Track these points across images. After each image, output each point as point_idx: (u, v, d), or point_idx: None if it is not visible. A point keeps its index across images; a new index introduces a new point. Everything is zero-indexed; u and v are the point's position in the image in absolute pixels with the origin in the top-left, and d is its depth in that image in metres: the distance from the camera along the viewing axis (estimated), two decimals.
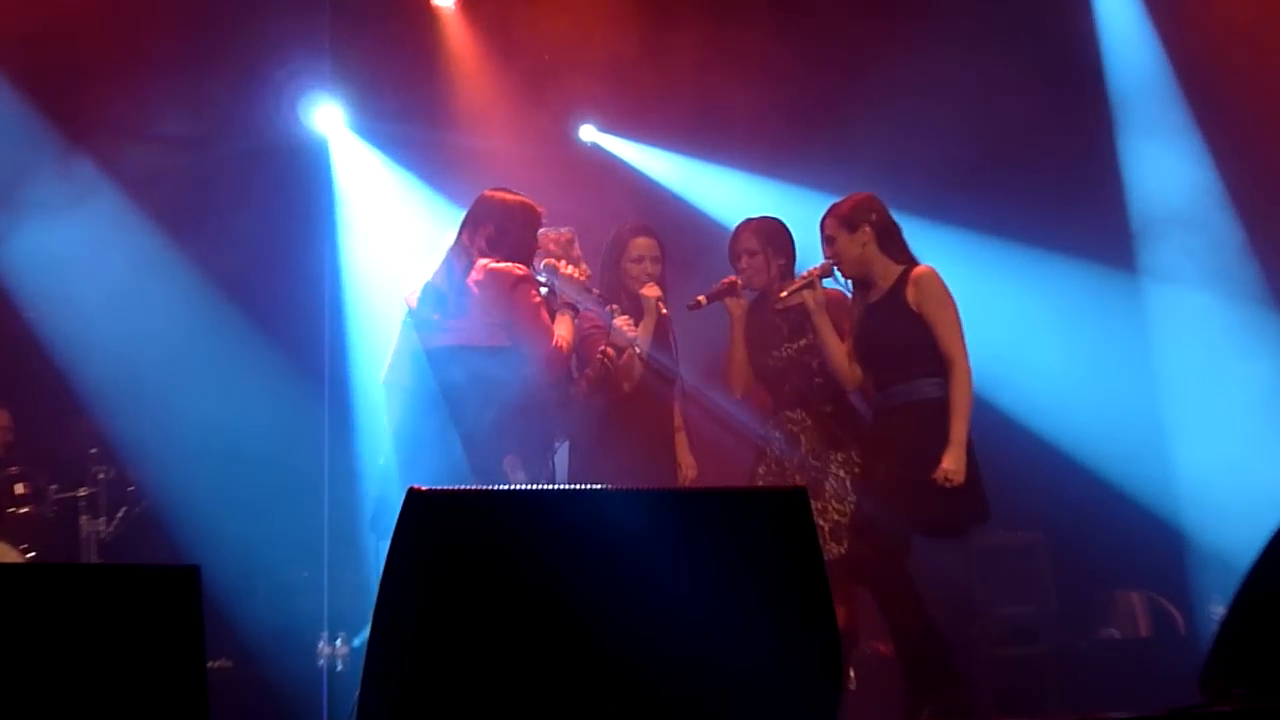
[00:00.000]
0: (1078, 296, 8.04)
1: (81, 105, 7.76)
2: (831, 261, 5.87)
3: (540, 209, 5.77)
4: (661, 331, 6.22)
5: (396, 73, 8.31)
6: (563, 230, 6.10)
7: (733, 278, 6.20)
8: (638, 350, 5.99)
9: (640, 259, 6.24)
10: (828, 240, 5.88)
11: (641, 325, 6.07)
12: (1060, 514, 7.68)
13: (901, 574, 5.62)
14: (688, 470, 6.32)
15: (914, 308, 5.69)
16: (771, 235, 6.27)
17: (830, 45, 8.26)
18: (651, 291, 6.12)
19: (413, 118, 8.35)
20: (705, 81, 8.07)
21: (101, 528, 7.69)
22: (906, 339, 5.67)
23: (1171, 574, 7.70)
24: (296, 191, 8.30)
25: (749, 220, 6.35)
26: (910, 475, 5.53)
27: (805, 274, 5.95)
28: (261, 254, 8.11)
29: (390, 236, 8.10)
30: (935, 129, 7.84)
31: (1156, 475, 7.77)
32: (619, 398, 6.08)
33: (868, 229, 5.81)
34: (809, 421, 6.12)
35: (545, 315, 5.60)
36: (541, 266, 5.83)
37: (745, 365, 6.23)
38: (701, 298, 6.16)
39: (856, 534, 5.77)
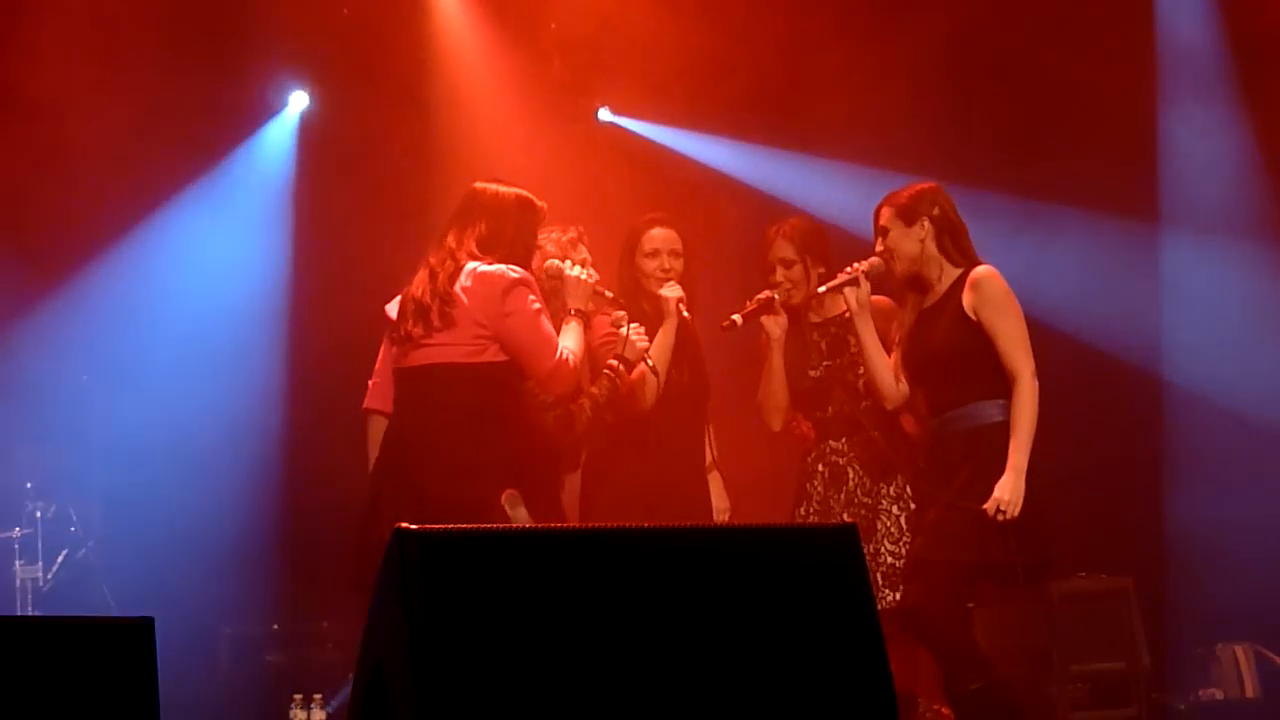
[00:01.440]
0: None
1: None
2: (881, 258, 5.82)
3: (541, 203, 5.69)
4: (687, 341, 6.13)
5: (378, 51, 8.32)
6: (569, 231, 6.04)
7: (769, 293, 6.12)
8: (648, 364, 5.94)
9: (655, 253, 6.15)
10: (881, 232, 5.80)
11: (660, 331, 5.99)
12: (1153, 555, 7.65)
13: (958, 624, 5.56)
14: (721, 516, 6.25)
15: (971, 315, 5.61)
16: (808, 240, 6.20)
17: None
18: (671, 290, 6.07)
19: (397, 101, 8.36)
20: (740, 54, 8.07)
21: (39, 575, 7.69)
22: (963, 351, 5.60)
23: None
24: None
25: (780, 225, 6.26)
26: (963, 511, 5.50)
27: (849, 269, 5.87)
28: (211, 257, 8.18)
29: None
30: (966, 92, 7.90)
31: (1262, 511, 7.74)
32: (637, 420, 6.03)
33: (927, 223, 5.74)
34: (855, 451, 6.06)
35: (547, 324, 5.54)
36: (543, 268, 5.79)
37: (785, 392, 6.15)
38: (737, 317, 6.04)
39: (908, 579, 5.72)
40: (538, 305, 5.52)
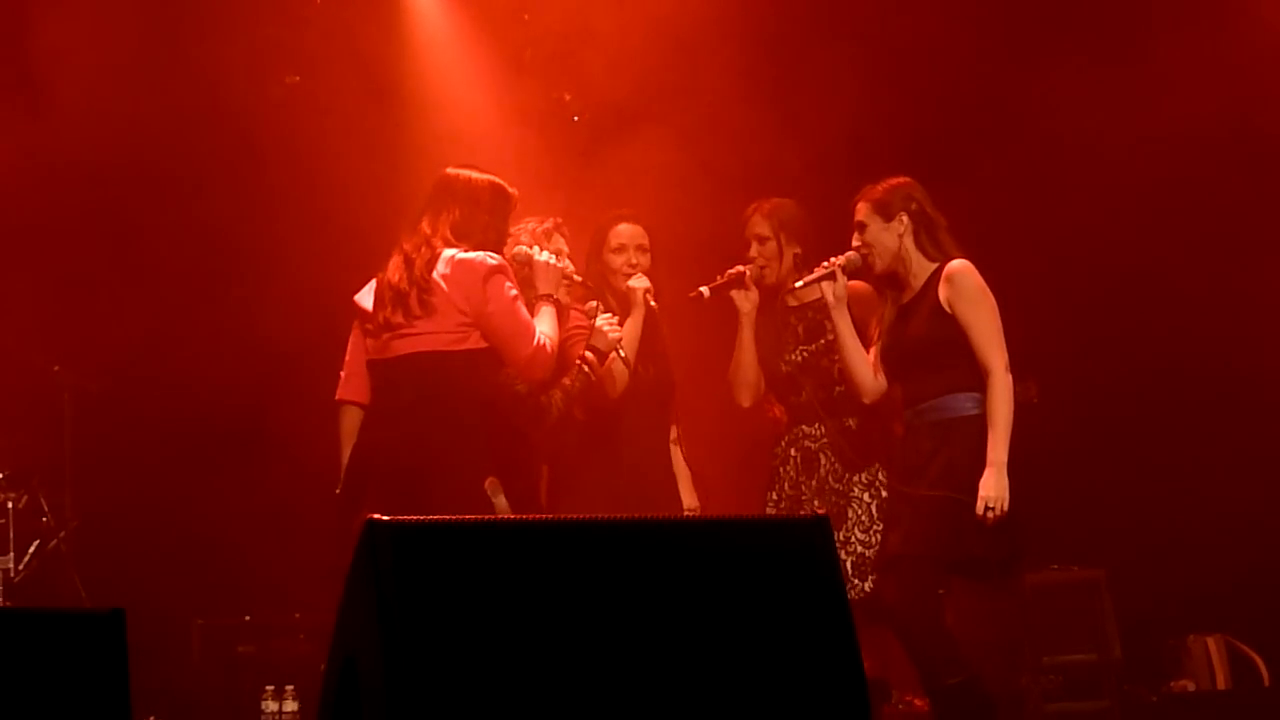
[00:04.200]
0: None
1: None
2: (859, 252, 5.83)
3: (512, 190, 5.71)
4: (653, 331, 6.15)
5: (349, 41, 8.29)
6: (546, 221, 6.04)
7: (740, 268, 6.16)
8: (620, 354, 5.94)
9: (622, 248, 6.17)
10: (858, 227, 5.83)
11: (628, 321, 6.01)
12: (1124, 547, 7.68)
13: (935, 619, 5.57)
14: (690, 514, 6.24)
15: (947, 308, 5.63)
16: (785, 220, 6.22)
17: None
18: (639, 281, 6.07)
19: (366, 91, 8.33)
20: (718, 48, 8.05)
21: (10, 565, 7.66)
22: (939, 344, 5.61)
23: (1254, 614, 7.69)
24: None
25: (760, 203, 6.30)
26: (938, 505, 5.50)
27: (826, 264, 5.89)
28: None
29: None
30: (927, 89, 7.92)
31: (1234, 497, 7.77)
32: (604, 409, 6.03)
33: (905, 219, 5.76)
34: (828, 438, 6.08)
35: (524, 311, 5.55)
36: (513, 254, 5.79)
37: (755, 368, 6.18)
38: (705, 289, 6.11)
39: (881, 571, 5.73)
40: (514, 292, 5.55)
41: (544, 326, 5.60)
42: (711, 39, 7.94)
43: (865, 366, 5.85)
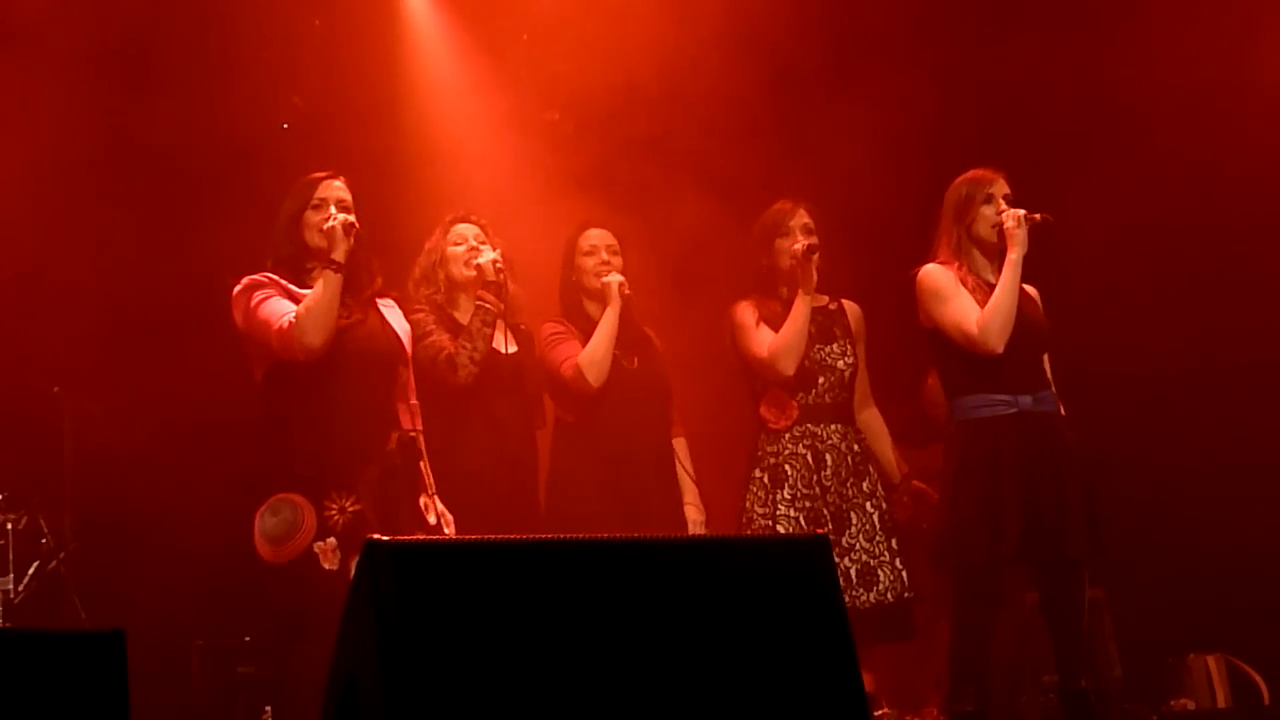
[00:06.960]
0: None
1: None
2: (1030, 221, 5.71)
3: (316, 178, 5.58)
4: (635, 330, 6.17)
5: (349, 61, 8.30)
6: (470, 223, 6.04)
7: (812, 241, 6.10)
8: (498, 265, 5.77)
9: (593, 250, 6.19)
10: (1007, 199, 5.76)
11: (605, 313, 6.02)
12: (1124, 566, 7.67)
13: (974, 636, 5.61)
14: (694, 529, 6.22)
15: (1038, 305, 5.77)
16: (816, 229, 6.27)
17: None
18: (612, 277, 6.06)
19: (367, 112, 8.34)
20: (715, 63, 8.06)
21: (10, 587, 7.65)
22: (1044, 338, 5.74)
23: (1254, 633, 7.68)
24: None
25: (792, 200, 6.29)
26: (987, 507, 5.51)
27: (1025, 213, 5.69)
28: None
29: None
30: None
31: (1235, 515, 7.77)
32: (590, 405, 6.01)
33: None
34: (834, 439, 6.09)
35: (272, 305, 5.39)
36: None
37: (806, 338, 6.13)
38: (812, 241, 6.10)
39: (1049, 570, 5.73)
40: (260, 296, 5.42)
41: (305, 301, 5.33)
42: (711, 56, 7.95)
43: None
